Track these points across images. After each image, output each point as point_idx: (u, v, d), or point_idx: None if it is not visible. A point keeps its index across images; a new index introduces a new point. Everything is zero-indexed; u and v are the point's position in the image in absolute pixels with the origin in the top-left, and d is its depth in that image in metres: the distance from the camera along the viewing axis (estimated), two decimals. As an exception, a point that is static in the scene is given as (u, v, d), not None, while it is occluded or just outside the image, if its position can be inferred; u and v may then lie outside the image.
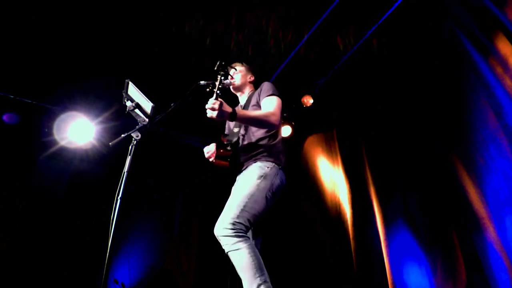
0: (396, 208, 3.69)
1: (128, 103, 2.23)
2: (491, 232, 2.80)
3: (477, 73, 3.06)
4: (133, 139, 2.16)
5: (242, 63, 2.76)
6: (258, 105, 2.45)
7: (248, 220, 2.08)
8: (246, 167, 2.35)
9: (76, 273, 5.20)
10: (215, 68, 2.10)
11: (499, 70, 2.92)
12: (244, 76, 2.71)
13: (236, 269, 1.98)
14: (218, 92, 2.05)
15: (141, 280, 5.46)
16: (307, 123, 5.23)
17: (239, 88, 2.70)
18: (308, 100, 4.81)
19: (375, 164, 4.10)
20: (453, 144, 3.25)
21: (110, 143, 2.19)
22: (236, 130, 2.55)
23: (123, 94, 2.26)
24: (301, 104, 4.85)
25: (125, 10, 3.72)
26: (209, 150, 2.46)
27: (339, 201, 4.47)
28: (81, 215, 5.51)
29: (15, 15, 3.66)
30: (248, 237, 2.06)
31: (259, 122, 2.30)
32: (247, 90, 2.72)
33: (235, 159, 2.39)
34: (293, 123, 5.17)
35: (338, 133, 4.73)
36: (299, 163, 5.21)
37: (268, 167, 2.27)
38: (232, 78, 2.61)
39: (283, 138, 2.62)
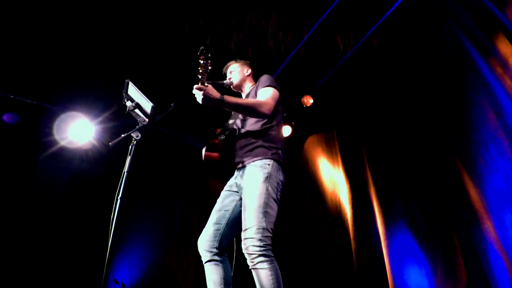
0: (396, 208, 3.69)
1: (128, 103, 2.24)
2: (491, 232, 2.80)
3: (477, 73, 3.05)
4: (133, 139, 2.17)
5: (235, 60, 2.69)
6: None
7: (272, 230, 2.03)
8: (244, 165, 2.23)
9: (76, 273, 5.20)
10: (198, 54, 1.99)
11: (499, 70, 2.91)
12: (240, 72, 2.64)
13: (256, 284, 1.96)
14: (201, 77, 2.01)
15: (141, 280, 5.47)
16: (307, 123, 5.23)
17: (239, 86, 2.65)
18: (308, 100, 4.80)
19: (375, 164, 4.09)
20: (453, 144, 3.24)
21: (110, 143, 2.19)
22: (231, 122, 2.47)
23: (123, 94, 2.26)
24: (301, 104, 4.85)
25: (125, 10, 3.72)
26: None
27: (339, 201, 4.47)
28: (81, 215, 5.52)
29: (15, 14, 3.66)
30: (274, 258, 1.99)
31: (248, 109, 2.20)
32: (248, 86, 2.65)
33: (228, 152, 2.30)
34: (293, 123, 5.16)
35: (338, 133, 4.73)
36: (299, 163, 5.21)
37: (269, 164, 2.16)
38: (230, 78, 2.61)
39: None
